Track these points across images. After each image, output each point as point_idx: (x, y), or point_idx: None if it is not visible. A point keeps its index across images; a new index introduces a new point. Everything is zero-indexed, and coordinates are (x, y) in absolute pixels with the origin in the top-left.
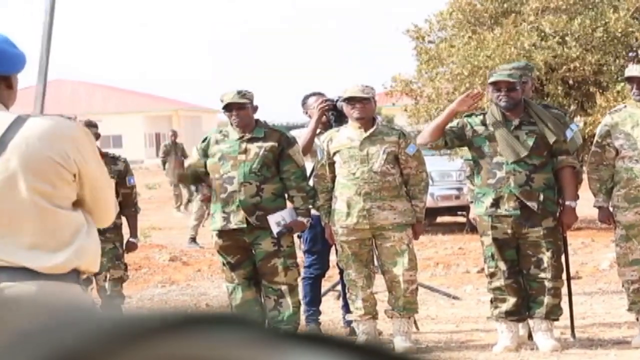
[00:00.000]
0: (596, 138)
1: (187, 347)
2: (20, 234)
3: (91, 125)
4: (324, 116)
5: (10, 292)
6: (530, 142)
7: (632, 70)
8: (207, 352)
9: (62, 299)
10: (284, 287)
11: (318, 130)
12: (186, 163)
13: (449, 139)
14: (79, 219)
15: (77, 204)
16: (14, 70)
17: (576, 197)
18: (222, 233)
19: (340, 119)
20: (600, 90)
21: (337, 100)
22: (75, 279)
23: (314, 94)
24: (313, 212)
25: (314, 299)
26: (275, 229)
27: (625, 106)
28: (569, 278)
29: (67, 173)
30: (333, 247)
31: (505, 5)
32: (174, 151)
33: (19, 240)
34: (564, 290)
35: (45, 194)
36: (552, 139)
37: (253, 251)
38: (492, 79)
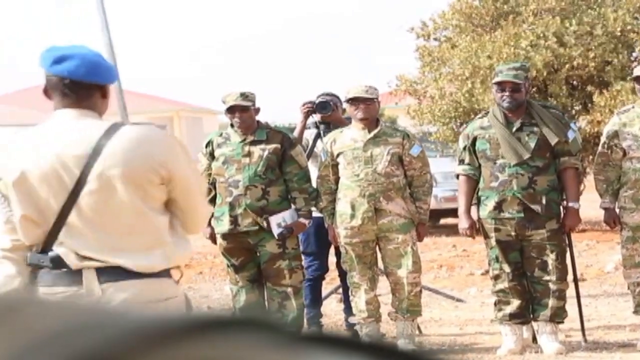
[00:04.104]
0: (603, 139)
1: (211, 349)
2: (116, 235)
3: None
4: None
5: (51, 294)
6: (532, 144)
7: None
8: (232, 355)
9: (88, 302)
10: (288, 290)
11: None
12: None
13: (477, 158)
14: (167, 221)
15: (169, 207)
16: (109, 81)
17: (579, 199)
18: (226, 235)
19: (326, 118)
20: (599, 90)
21: (317, 103)
22: (167, 274)
23: (327, 94)
24: None
25: (314, 301)
26: (275, 230)
27: (633, 107)
28: (576, 280)
29: (156, 176)
30: (332, 249)
31: (505, 7)
32: None
33: (116, 241)
34: (572, 292)
35: (137, 197)
36: (553, 140)
37: (257, 253)
38: (497, 79)
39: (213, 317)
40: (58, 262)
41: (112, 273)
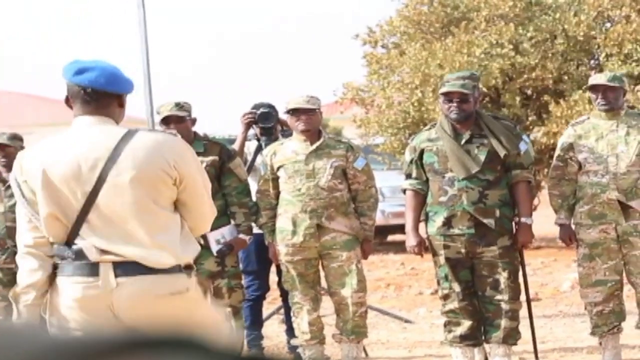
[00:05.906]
0: (557, 151)
1: None
2: (131, 232)
3: (16, 138)
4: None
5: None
6: (483, 157)
7: (597, 78)
8: None
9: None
10: (227, 310)
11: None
12: None
13: (424, 172)
14: (179, 220)
15: (178, 207)
16: (126, 91)
17: (531, 214)
18: None
19: (269, 130)
20: (556, 100)
21: (259, 113)
22: (178, 269)
23: (262, 105)
24: None
25: (255, 322)
26: (214, 247)
27: (588, 117)
28: (528, 300)
29: (168, 177)
30: (273, 267)
31: (455, 14)
32: None
33: (131, 238)
34: (525, 312)
35: (151, 197)
36: (502, 152)
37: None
38: (443, 90)
39: (138, 337)
40: (80, 255)
41: (127, 267)
